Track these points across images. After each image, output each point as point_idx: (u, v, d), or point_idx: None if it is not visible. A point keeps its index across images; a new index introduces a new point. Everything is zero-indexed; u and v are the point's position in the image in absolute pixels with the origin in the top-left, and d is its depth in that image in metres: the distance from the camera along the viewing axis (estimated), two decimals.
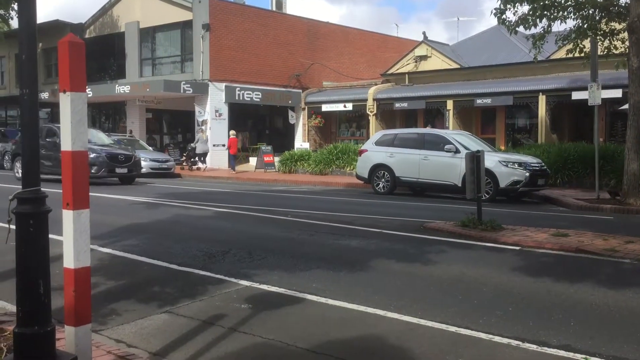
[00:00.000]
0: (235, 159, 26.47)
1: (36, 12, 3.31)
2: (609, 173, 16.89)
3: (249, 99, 29.25)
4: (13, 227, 3.30)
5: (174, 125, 34.30)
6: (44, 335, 3.30)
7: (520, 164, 15.23)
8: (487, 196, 14.78)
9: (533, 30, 15.12)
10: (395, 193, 17.15)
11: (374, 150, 17.64)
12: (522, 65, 24.80)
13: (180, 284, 6.04)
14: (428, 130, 19.06)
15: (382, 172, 17.24)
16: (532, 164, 15.55)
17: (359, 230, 9.61)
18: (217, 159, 28.33)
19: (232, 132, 27.11)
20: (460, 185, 15.55)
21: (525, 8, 14.42)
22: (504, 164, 15.19)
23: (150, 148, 27.08)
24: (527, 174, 15.02)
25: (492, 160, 14.98)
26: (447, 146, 16.09)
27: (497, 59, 27.18)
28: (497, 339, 4.50)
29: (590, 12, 15.06)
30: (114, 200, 13.95)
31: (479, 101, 24.55)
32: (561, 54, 21.44)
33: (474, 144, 16.58)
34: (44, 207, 3.32)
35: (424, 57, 29.53)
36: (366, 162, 17.74)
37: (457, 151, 15.84)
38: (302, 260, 7.25)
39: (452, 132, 18.08)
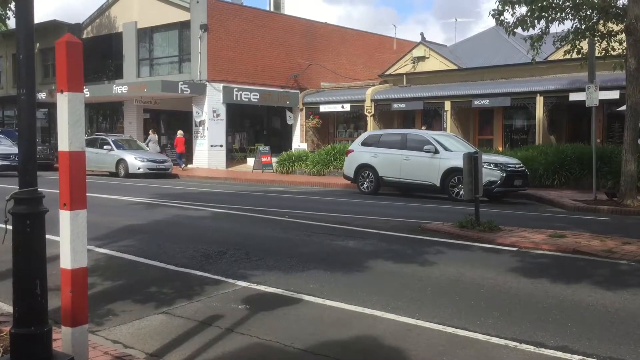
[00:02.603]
0: (182, 157, 27.42)
1: (34, 13, 3.31)
2: (606, 174, 16.91)
3: (246, 99, 29.23)
4: (10, 227, 3.30)
5: (172, 126, 34.24)
6: (41, 335, 3.29)
7: (496, 165, 15.38)
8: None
9: (531, 32, 15.13)
10: (380, 193, 17.38)
11: (360, 151, 17.96)
12: (519, 67, 24.82)
13: (178, 285, 6.03)
14: (410, 130, 19.30)
15: (367, 172, 17.54)
16: (509, 165, 15.66)
17: (356, 231, 9.61)
18: (214, 160, 28.33)
19: (180, 132, 27.97)
20: (438, 185, 15.89)
21: (523, 9, 14.43)
22: None
23: (148, 148, 27.06)
24: (503, 175, 15.15)
25: None
26: (426, 146, 16.32)
27: (495, 60, 27.21)
28: (494, 339, 4.50)
29: (588, 13, 15.08)
30: (111, 201, 13.93)
31: (476, 102, 24.56)
32: (559, 55, 21.50)
33: (457, 144, 16.88)
34: (41, 207, 3.31)
35: (421, 58, 29.54)
36: (352, 162, 18.07)
37: (436, 151, 16.09)
38: (300, 260, 7.24)
39: (434, 133, 18.24)
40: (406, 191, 17.47)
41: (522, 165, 16.20)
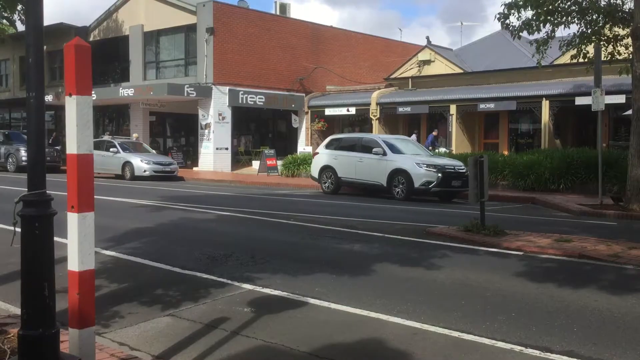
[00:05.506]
0: None
1: (43, 17, 3.33)
2: (612, 179, 16.83)
3: (252, 102, 29.30)
4: (18, 229, 3.32)
5: (178, 129, 34.33)
6: (48, 337, 3.31)
7: (435, 166, 16.40)
8: (403, 195, 16.33)
9: (536, 36, 15.13)
10: (340, 193, 18.52)
11: (323, 153, 19.21)
12: (525, 70, 24.77)
13: (183, 287, 6.05)
14: (365, 135, 20.46)
15: (329, 173, 18.70)
16: (447, 167, 16.70)
17: (362, 235, 9.61)
18: (220, 162, 28.39)
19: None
20: (385, 185, 17.03)
21: (529, 13, 14.43)
22: (419, 166, 16.40)
23: (154, 151, 27.14)
24: (440, 175, 16.09)
25: (409, 162, 16.56)
26: (375, 149, 17.42)
27: (501, 64, 27.17)
28: (500, 344, 4.49)
29: (594, 17, 15.05)
30: (118, 204, 13.97)
31: (482, 106, 24.53)
32: (565, 59, 21.45)
33: (412, 148, 18.05)
34: (49, 209, 3.33)
35: (427, 62, 29.54)
36: (317, 163, 19.34)
37: (384, 154, 17.17)
38: (305, 264, 7.25)
39: (387, 137, 19.36)
40: (362, 191, 18.39)
41: (463, 167, 16.77)
